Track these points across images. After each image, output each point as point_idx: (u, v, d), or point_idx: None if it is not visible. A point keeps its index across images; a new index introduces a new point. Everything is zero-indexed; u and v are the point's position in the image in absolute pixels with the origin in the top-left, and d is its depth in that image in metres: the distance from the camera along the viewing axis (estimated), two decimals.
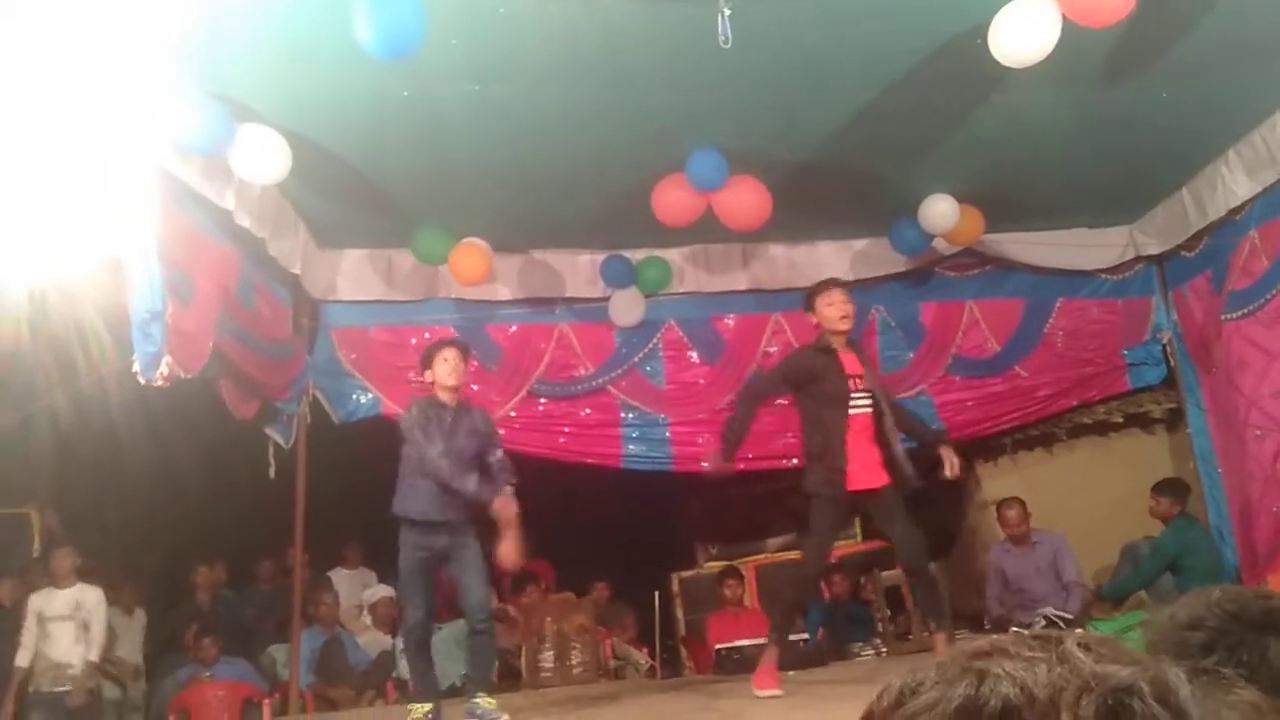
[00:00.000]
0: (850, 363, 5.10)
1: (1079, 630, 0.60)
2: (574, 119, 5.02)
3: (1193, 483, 6.91)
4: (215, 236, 5.08)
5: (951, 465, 5.12)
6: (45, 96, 3.90)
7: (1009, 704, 0.54)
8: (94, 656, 6.39)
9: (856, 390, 5.05)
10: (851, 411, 5.01)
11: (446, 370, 4.99)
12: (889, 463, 5.06)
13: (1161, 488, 6.79)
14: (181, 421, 6.21)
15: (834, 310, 5.09)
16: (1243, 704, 0.52)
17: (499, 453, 5.09)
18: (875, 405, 5.08)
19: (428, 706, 4.83)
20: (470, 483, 4.80)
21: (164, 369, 4.26)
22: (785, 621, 5.23)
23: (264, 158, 4.77)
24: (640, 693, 5.70)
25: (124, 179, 4.20)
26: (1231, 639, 1.36)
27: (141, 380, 4.25)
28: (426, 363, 5.08)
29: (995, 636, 0.60)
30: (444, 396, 5.01)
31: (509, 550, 4.88)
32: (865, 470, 4.99)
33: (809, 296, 5.26)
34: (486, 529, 4.99)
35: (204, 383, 5.15)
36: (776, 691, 4.81)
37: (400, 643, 6.80)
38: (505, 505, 4.84)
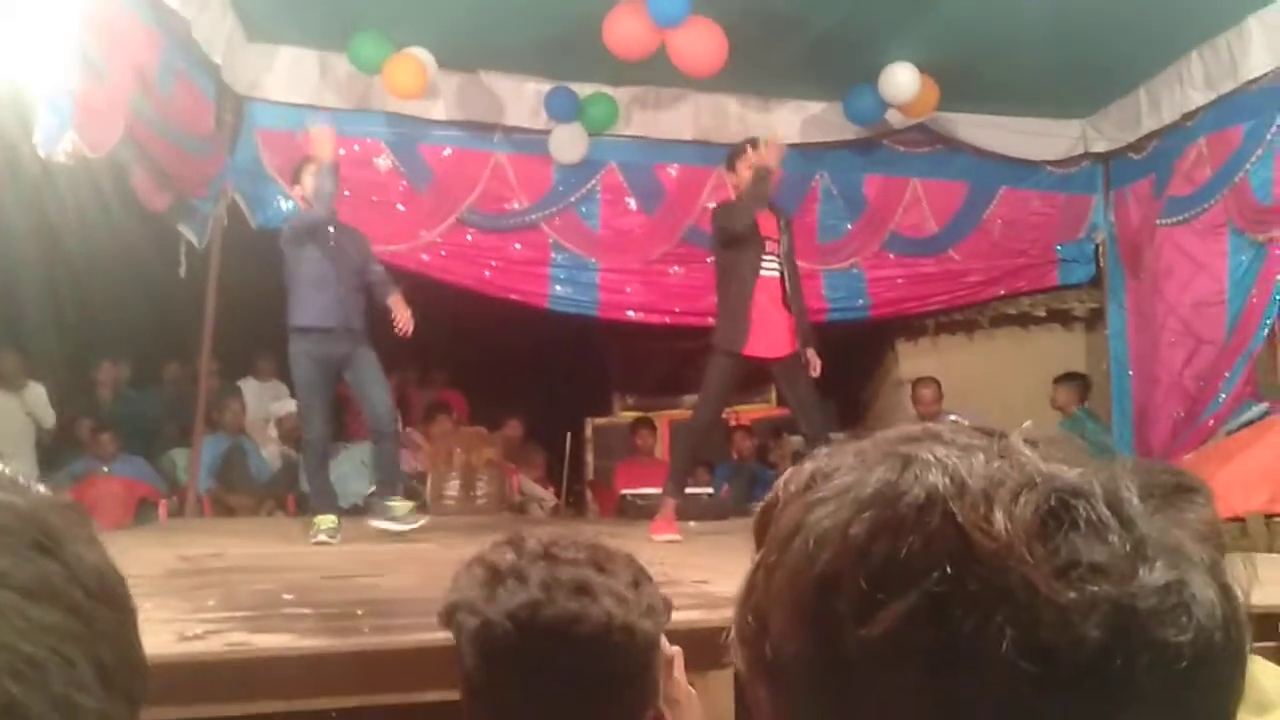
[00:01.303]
0: (766, 224, 5.00)
1: (1027, 425, 0.52)
2: None
3: (1103, 383, 7.06)
4: (137, 13, 4.71)
5: (814, 367, 5.05)
6: None
7: (934, 494, 0.47)
8: None
9: (768, 253, 4.98)
10: (761, 274, 4.96)
11: (315, 183, 4.86)
12: (797, 329, 5.03)
13: (1063, 380, 6.94)
14: (89, 209, 5.88)
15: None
16: (1200, 523, 0.45)
17: (378, 266, 5.17)
18: (783, 271, 5.02)
19: (332, 518, 4.81)
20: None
21: (68, 145, 3.99)
22: (681, 474, 5.28)
23: None
24: (541, 527, 5.73)
25: None
26: None
27: (42, 154, 3.97)
28: (296, 177, 5.00)
29: (930, 424, 0.52)
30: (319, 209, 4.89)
31: (401, 315, 4.91)
32: (772, 336, 4.95)
33: (731, 155, 5.14)
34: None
35: (115, 166, 4.87)
36: (674, 536, 4.88)
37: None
38: (397, 300, 4.95)
